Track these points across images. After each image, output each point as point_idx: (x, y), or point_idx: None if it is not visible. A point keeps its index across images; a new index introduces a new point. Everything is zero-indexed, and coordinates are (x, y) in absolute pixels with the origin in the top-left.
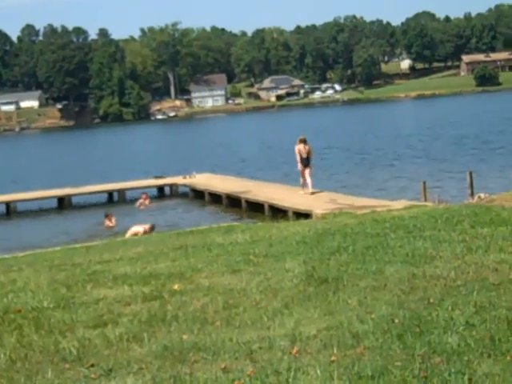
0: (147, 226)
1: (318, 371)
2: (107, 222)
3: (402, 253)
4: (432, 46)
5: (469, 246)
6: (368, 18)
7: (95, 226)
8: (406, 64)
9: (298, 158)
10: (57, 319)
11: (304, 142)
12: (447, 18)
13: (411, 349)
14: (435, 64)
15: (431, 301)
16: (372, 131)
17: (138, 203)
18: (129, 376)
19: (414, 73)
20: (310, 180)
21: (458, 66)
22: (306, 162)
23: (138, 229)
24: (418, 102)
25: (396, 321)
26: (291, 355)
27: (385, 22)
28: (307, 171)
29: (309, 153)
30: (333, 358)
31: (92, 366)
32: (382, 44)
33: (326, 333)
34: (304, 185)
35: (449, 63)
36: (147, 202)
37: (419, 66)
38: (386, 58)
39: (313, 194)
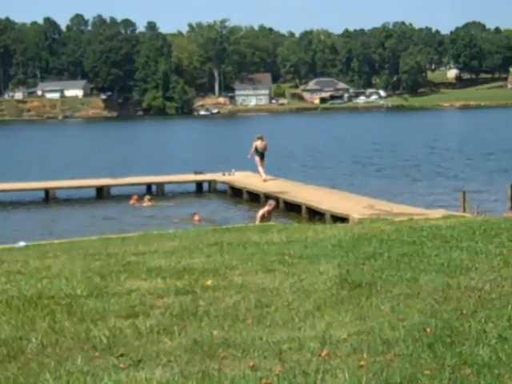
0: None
1: (347, 375)
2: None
3: (437, 262)
4: (480, 56)
5: (506, 259)
6: (417, 25)
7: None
8: (452, 73)
9: (253, 151)
10: (89, 307)
11: (261, 139)
12: (497, 29)
13: (441, 359)
14: (482, 75)
15: (464, 312)
16: (416, 139)
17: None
18: (157, 368)
19: (460, 82)
20: (263, 169)
21: (506, 78)
22: (261, 155)
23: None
24: (462, 112)
25: (428, 330)
26: (320, 357)
27: (434, 30)
28: (262, 163)
29: (265, 148)
30: (362, 363)
31: (121, 355)
32: (429, 52)
33: (357, 337)
34: (259, 172)
35: (496, 75)
36: (148, 202)
37: (466, 76)
38: (433, 67)
39: (265, 180)
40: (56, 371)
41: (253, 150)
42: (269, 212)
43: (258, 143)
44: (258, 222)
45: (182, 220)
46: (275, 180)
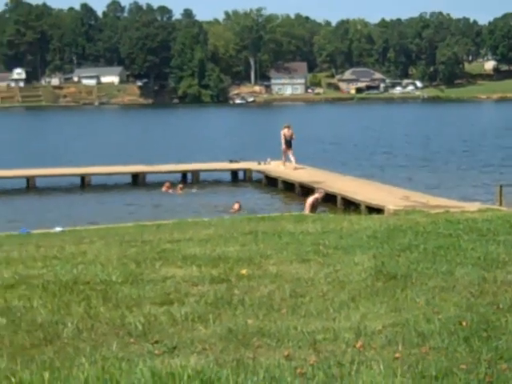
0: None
1: (382, 367)
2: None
3: (473, 255)
4: None
5: None
6: (454, 16)
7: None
8: (490, 65)
9: (283, 140)
10: (124, 294)
11: (288, 127)
12: None
13: (477, 353)
14: None
15: (501, 306)
16: (451, 131)
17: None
18: (192, 355)
19: (497, 74)
20: (293, 158)
21: None
22: (289, 143)
23: None
24: (499, 105)
25: (463, 323)
26: (355, 348)
27: (471, 20)
28: (290, 151)
29: (291, 136)
30: (397, 355)
31: (156, 342)
32: (467, 43)
33: (392, 329)
34: (286, 160)
35: None
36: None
37: (504, 67)
38: (470, 58)
39: (296, 168)
40: (91, 356)
41: (282, 138)
42: (317, 200)
43: (286, 131)
44: (307, 210)
45: (226, 208)
46: (305, 169)
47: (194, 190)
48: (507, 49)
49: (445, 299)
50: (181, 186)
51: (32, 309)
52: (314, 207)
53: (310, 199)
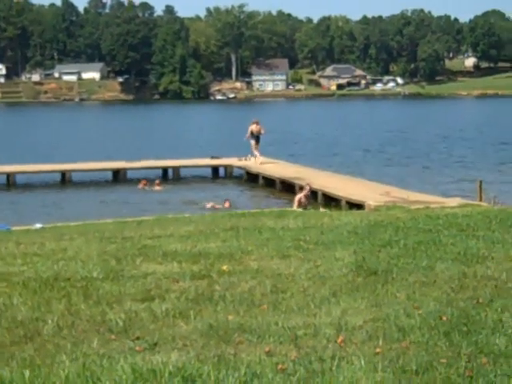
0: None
1: (362, 362)
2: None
3: (453, 251)
4: (499, 45)
5: None
6: (436, 13)
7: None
8: (470, 62)
9: (249, 135)
10: (105, 290)
11: (257, 123)
12: None
13: (457, 347)
14: (500, 64)
15: (480, 301)
16: (431, 127)
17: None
18: (173, 351)
19: (478, 71)
20: (258, 152)
21: None
22: (257, 139)
23: None
24: (479, 101)
25: (444, 318)
26: (336, 344)
27: (452, 17)
28: (258, 146)
29: (259, 132)
30: (378, 350)
31: (137, 338)
32: (447, 40)
33: (372, 324)
34: (253, 156)
35: None
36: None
37: (484, 64)
38: (451, 55)
39: (262, 163)
40: (72, 353)
41: (249, 133)
42: (306, 196)
43: (254, 127)
44: (295, 206)
45: (213, 205)
46: (275, 163)
47: (168, 186)
48: (487, 46)
49: (425, 294)
50: (157, 182)
51: (12, 306)
52: (301, 204)
53: (297, 196)
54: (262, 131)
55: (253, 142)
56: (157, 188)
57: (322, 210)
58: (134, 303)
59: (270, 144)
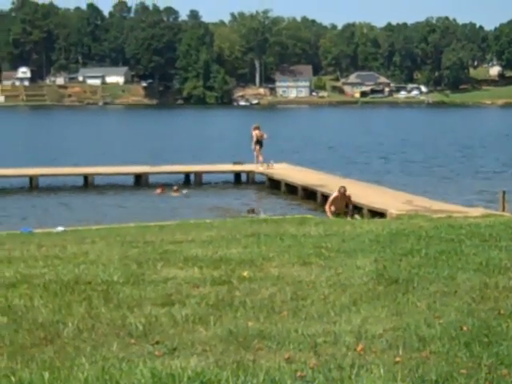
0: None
1: (382, 371)
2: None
3: (475, 261)
4: None
5: None
6: (461, 21)
7: None
8: (495, 70)
9: (254, 141)
10: (125, 294)
11: (258, 128)
12: None
13: (478, 358)
14: None
15: (502, 312)
16: (455, 136)
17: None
18: (192, 357)
19: (502, 80)
20: (261, 158)
21: None
22: (260, 144)
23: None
24: (504, 110)
25: (464, 328)
26: (355, 352)
27: (477, 25)
28: (260, 150)
29: (262, 137)
30: (397, 359)
31: (157, 343)
32: (472, 48)
33: (393, 333)
34: (258, 162)
35: None
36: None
37: (509, 73)
38: (476, 63)
39: (268, 167)
40: (92, 356)
41: (255, 139)
42: (337, 198)
43: (257, 132)
44: (328, 213)
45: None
46: (298, 170)
47: (184, 191)
48: None
49: (446, 304)
50: (175, 188)
51: (33, 308)
52: (334, 204)
53: (330, 200)
54: (265, 136)
55: (257, 147)
56: (174, 194)
57: (357, 216)
58: (154, 308)
59: (294, 151)
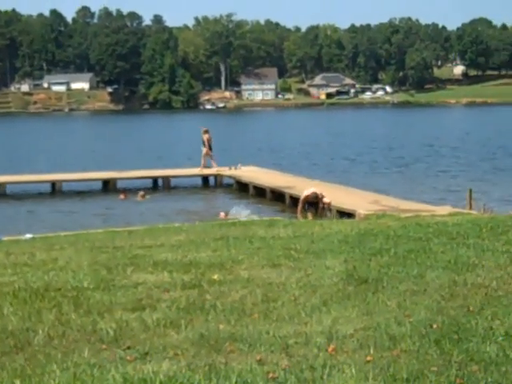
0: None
1: (353, 370)
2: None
3: (444, 259)
4: (487, 53)
5: None
6: (423, 21)
7: None
8: (459, 70)
9: (207, 144)
10: (96, 300)
11: (207, 132)
12: (504, 26)
13: (448, 355)
14: (489, 72)
15: (471, 309)
16: (419, 135)
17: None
18: (164, 361)
19: (466, 79)
20: (213, 161)
21: None
22: (209, 147)
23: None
24: (468, 109)
25: (434, 326)
26: (327, 352)
27: (440, 26)
28: (210, 155)
29: (210, 140)
30: (368, 359)
31: (128, 348)
32: (435, 48)
33: (363, 333)
34: (208, 165)
35: (503, 72)
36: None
37: (472, 72)
38: (439, 63)
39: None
40: (63, 363)
41: (207, 143)
42: (307, 197)
43: (207, 136)
44: (299, 214)
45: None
46: (265, 172)
47: (147, 196)
48: (475, 54)
49: (416, 302)
50: (142, 193)
51: (3, 316)
52: (304, 206)
53: (301, 199)
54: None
55: (206, 150)
56: (139, 199)
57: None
58: (125, 313)
59: (260, 153)
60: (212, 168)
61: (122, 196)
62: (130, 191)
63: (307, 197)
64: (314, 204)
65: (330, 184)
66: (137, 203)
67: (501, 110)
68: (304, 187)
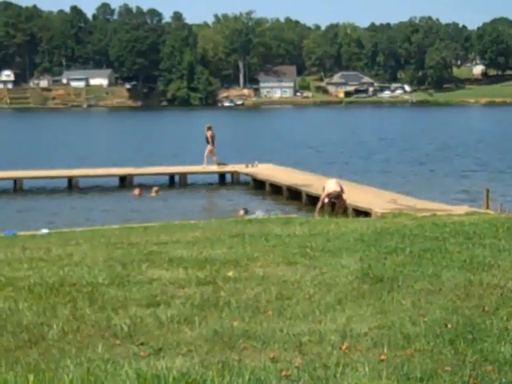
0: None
1: (367, 369)
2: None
3: (460, 259)
4: (507, 52)
5: None
6: (444, 21)
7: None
8: (478, 69)
9: (210, 141)
10: (110, 296)
11: (211, 128)
12: None
13: (462, 355)
14: (508, 71)
15: (486, 309)
16: (440, 136)
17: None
18: (178, 357)
19: (486, 79)
20: (215, 157)
21: None
22: (212, 144)
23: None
24: (487, 109)
25: (449, 326)
26: (341, 351)
27: (460, 25)
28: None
29: (213, 137)
30: (382, 357)
31: (142, 344)
32: (455, 47)
33: (378, 331)
34: (210, 162)
35: None
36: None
37: (492, 72)
38: (459, 62)
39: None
40: (77, 358)
41: (211, 140)
42: (329, 197)
43: (210, 132)
44: (316, 212)
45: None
46: (282, 170)
47: (160, 193)
48: (495, 54)
49: (431, 302)
50: (156, 188)
51: (18, 311)
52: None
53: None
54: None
55: (209, 146)
56: (153, 194)
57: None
58: (139, 309)
59: (278, 151)
60: (212, 165)
61: (136, 192)
62: (144, 187)
63: (329, 194)
64: (335, 200)
65: (347, 182)
66: (151, 199)
67: None
68: (320, 185)
